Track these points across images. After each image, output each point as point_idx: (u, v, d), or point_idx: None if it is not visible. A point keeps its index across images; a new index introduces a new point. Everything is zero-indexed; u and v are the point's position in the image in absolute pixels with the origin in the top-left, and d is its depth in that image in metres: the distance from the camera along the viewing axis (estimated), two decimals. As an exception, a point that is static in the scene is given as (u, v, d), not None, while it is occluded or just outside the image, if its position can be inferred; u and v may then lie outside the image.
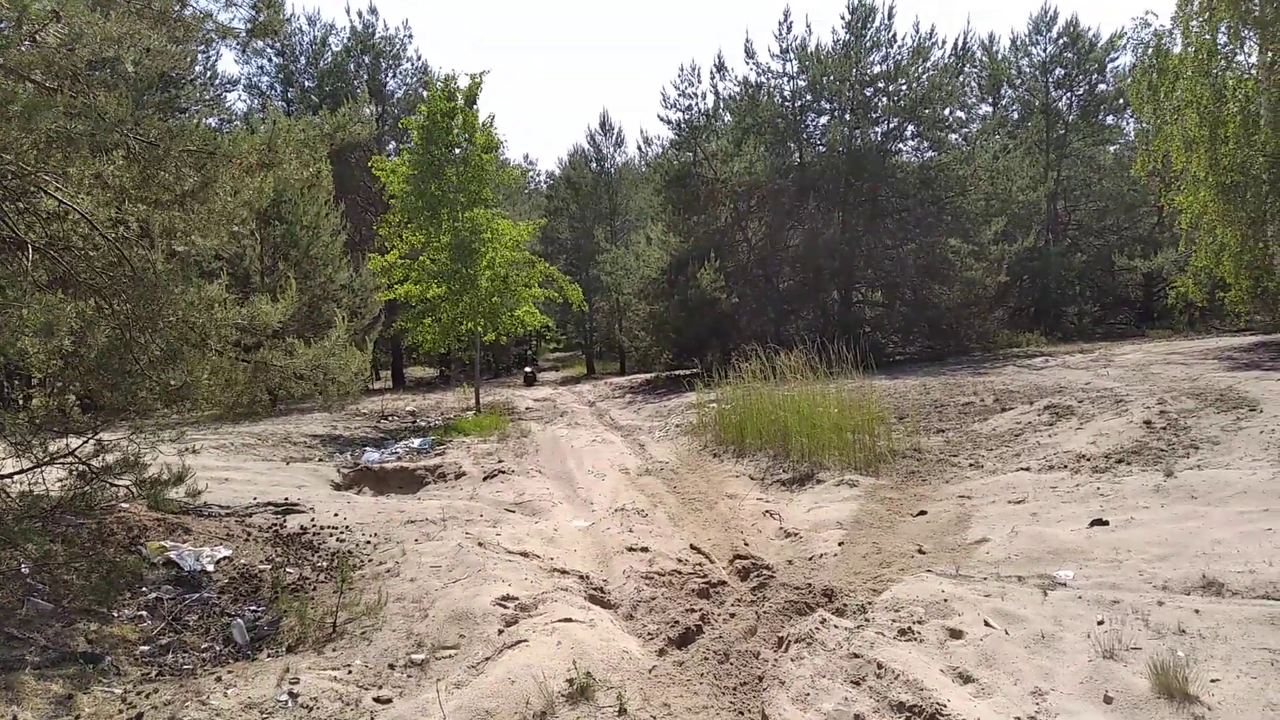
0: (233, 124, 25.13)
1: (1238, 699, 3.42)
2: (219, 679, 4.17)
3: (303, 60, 28.90)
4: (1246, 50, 14.91)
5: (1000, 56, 31.14)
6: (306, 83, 28.78)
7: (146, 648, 4.59)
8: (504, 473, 9.93)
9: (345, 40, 29.18)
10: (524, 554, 6.32)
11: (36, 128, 4.69)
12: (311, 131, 6.47)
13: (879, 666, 3.84)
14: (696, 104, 24.51)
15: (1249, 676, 3.56)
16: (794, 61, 23.55)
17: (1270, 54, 13.84)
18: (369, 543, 6.66)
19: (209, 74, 26.71)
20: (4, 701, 3.65)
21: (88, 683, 4.01)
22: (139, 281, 5.44)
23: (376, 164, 16.79)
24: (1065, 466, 8.18)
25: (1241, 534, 5.32)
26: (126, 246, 5.53)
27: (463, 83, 16.20)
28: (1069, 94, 28.82)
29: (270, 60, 28.45)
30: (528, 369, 31.06)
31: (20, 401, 5.65)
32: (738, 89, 24.58)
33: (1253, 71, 14.60)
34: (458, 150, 16.02)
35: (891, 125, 23.32)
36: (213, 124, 24.38)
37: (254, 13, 6.07)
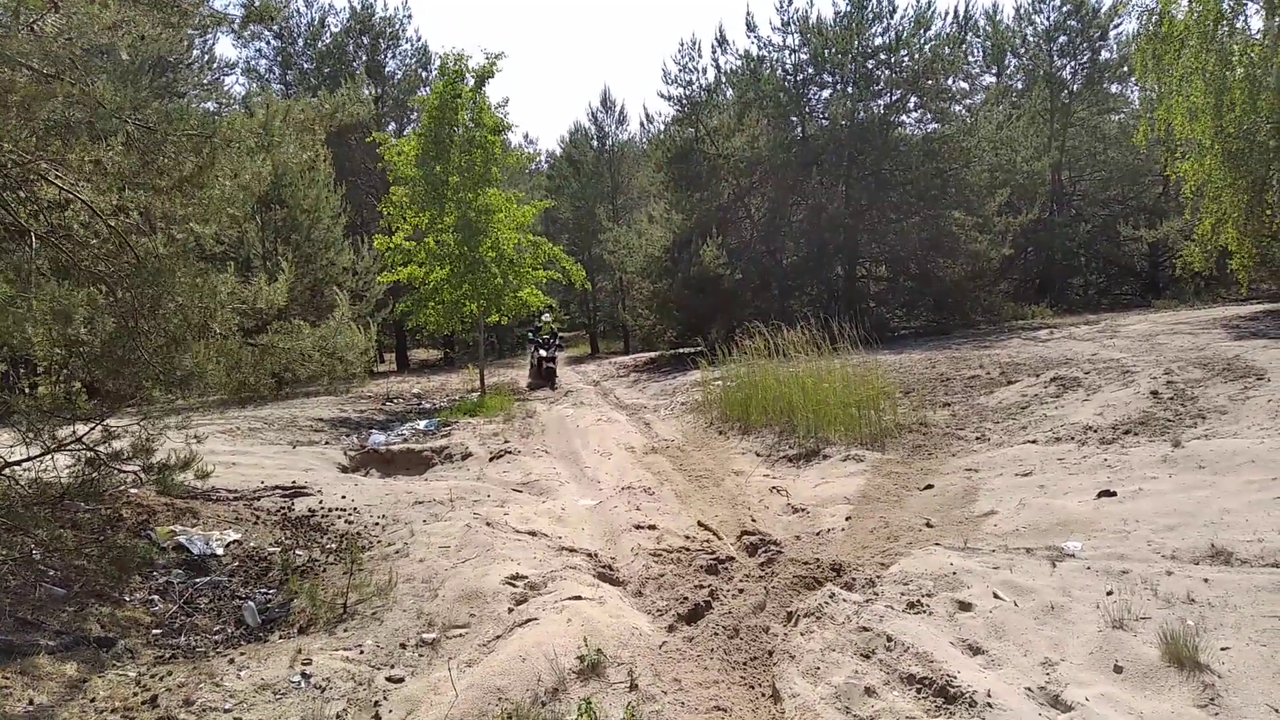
0: (231, 108, 25.01)
1: (1248, 666, 3.43)
2: (232, 661, 4.19)
3: (301, 42, 28.67)
4: (1249, 14, 14.76)
5: (1003, 25, 30.84)
6: (305, 65, 28.59)
7: (159, 631, 4.62)
8: (510, 453, 9.94)
9: (344, 21, 28.98)
10: (532, 533, 6.34)
11: (36, 116, 4.67)
12: (310, 113, 6.42)
13: (889, 639, 3.85)
14: (698, 79, 24.34)
15: (1259, 644, 3.56)
16: (795, 34, 23.30)
17: (1278, 19, 13.68)
18: (377, 524, 6.69)
19: (206, 58, 26.57)
20: (21, 685, 3.68)
21: (102, 666, 4.04)
22: (142, 267, 5.42)
23: (382, 141, 16.51)
24: (1072, 438, 8.17)
25: (1250, 503, 5.31)
26: (128, 233, 5.52)
27: (474, 62, 15.97)
28: (1072, 62, 28.52)
29: (268, 43, 28.25)
30: (543, 354, 18.51)
31: (27, 390, 5.66)
32: (739, 63, 24.36)
33: (1258, 36, 14.44)
34: (462, 130, 15.83)
35: (894, 97, 23.08)
36: (210, 108, 24.31)
37: (249, -1, 5.99)
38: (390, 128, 28.80)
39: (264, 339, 6.55)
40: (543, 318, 18.98)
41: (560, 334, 20.07)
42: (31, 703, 3.58)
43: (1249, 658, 3.48)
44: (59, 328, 4.65)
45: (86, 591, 4.86)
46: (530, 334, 19.79)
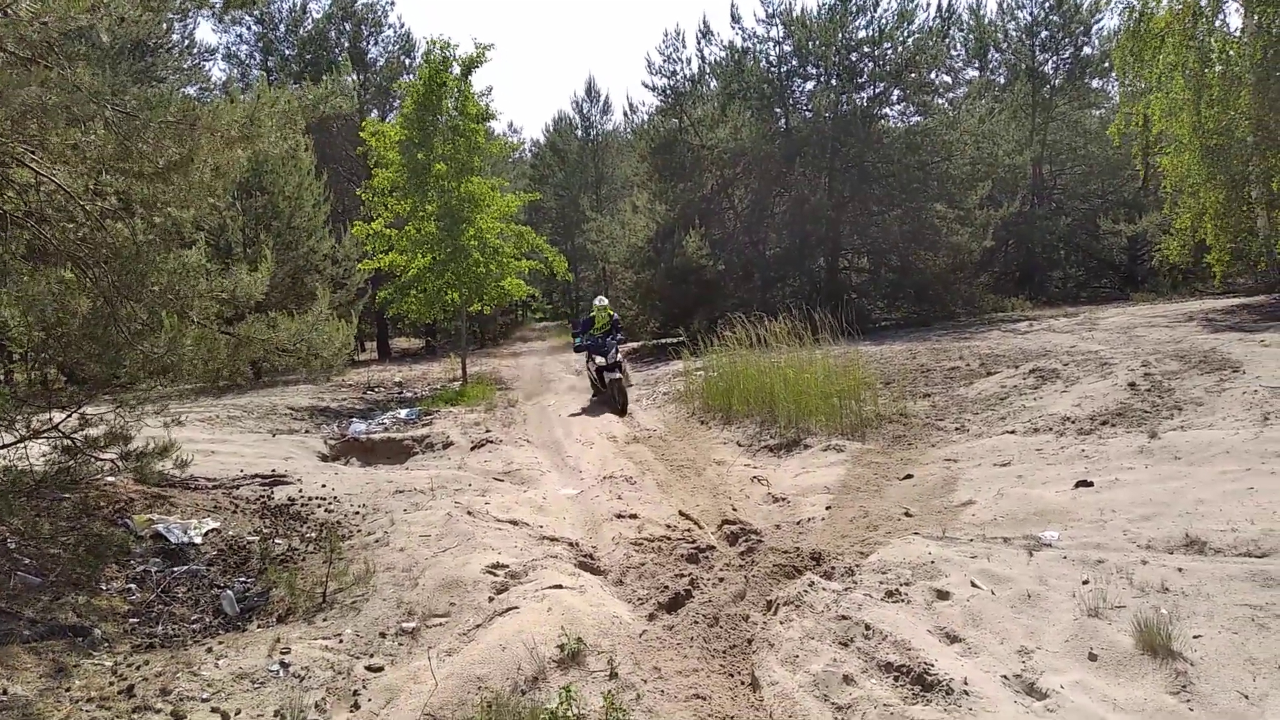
0: (211, 93, 24.76)
1: (1219, 654, 3.47)
2: (210, 650, 4.17)
3: (282, 28, 28.37)
4: (1228, 12, 14.92)
5: (986, 20, 30.94)
6: (286, 51, 28.30)
7: (136, 620, 4.58)
8: (492, 442, 9.92)
9: (326, 7, 28.68)
10: (513, 522, 6.33)
11: (11, 101, 4.60)
12: (293, 103, 6.35)
13: (867, 628, 3.87)
14: (682, 70, 24.26)
15: (1230, 632, 3.61)
16: (779, 26, 23.29)
17: (1256, 16, 13.81)
18: (357, 513, 6.66)
19: (186, 42, 26.26)
20: (-6, 675, 3.64)
21: (78, 655, 4.00)
22: (120, 251, 5.36)
23: (368, 126, 16.40)
24: (1050, 429, 8.24)
25: (1224, 493, 5.37)
26: (104, 216, 5.45)
27: (461, 51, 15.81)
28: (1054, 57, 28.67)
29: (249, 29, 27.94)
30: (607, 358, 12.12)
31: (2, 376, 5.59)
32: (723, 54, 24.34)
33: (1237, 33, 14.58)
34: (446, 118, 15.70)
35: (877, 90, 23.13)
36: (191, 93, 24.00)
37: (231, -18, 5.92)
38: (373, 115, 28.56)
39: (241, 329, 6.49)
40: (595, 303, 13.19)
41: (617, 336, 12.71)
42: (5, 692, 3.55)
43: (1220, 645, 3.53)
44: (33, 313, 4.59)
45: (62, 580, 4.81)
46: (575, 332, 13.36)
